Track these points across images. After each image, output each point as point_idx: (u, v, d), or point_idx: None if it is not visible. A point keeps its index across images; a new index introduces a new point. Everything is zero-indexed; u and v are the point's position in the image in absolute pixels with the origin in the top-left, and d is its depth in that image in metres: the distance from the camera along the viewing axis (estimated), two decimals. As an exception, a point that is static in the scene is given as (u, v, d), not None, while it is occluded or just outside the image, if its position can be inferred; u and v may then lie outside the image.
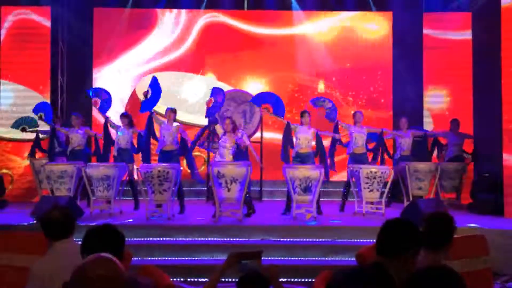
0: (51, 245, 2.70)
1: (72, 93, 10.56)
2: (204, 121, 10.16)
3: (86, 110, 10.48)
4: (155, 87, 7.75)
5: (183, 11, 10.81)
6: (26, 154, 9.41)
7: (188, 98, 10.80)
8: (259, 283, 2.39)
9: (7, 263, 3.58)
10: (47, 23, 10.05)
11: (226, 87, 10.40)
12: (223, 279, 2.67)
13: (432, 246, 2.64)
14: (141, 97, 10.50)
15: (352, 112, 8.74)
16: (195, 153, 10.56)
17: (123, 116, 8.31)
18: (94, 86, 10.57)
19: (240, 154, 7.42)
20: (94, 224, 1.91)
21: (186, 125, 10.60)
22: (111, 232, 2.30)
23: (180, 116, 10.71)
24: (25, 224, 6.50)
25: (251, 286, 2.39)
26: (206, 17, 10.80)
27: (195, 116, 10.67)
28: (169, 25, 10.85)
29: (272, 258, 5.77)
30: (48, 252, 2.67)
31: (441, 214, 2.83)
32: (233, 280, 4.51)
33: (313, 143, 7.78)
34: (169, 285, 2.70)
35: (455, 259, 3.11)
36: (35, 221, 6.43)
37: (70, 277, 1.55)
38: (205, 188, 9.05)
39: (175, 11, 10.84)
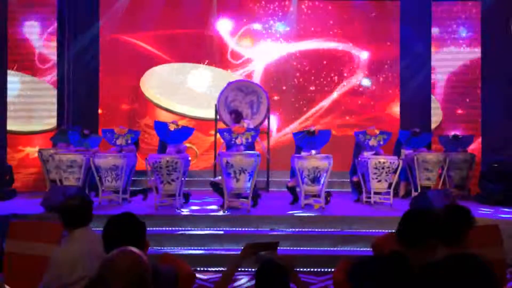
0: (70, 233, 2.72)
1: (79, 82, 10.50)
2: (205, 113, 10.23)
3: (93, 100, 10.48)
4: None
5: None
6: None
7: (192, 89, 10.82)
8: (278, 273, 2.39)
9: (23, 251, 3.60)
10: (54, 13, 10.04)
11: (234, 77, 10.40)
12: (239, 269, 2.67)
13: (450, 240, 2.57)
14: (146, 91, 10.52)
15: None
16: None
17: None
18: (100, 78, 10.60)
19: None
20: (103, 214, 1.94)
21: (184, 117, 10.64)
22: (132, 221, 2.31)
23: (182, 109, 10.76)
24: (36, 213, 6.52)
25: (270, 276, 2.39)
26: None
27: (198, 108, 10.71)
28: (177, 11, 10.86)
29: (281, 248, 5.73)
30: (67, 240, 2.69)
31: (459, 208, 2.76)
32: (249, 270, 4.53)
33: None
34: (189, 273, 2.70)
35: (468, 249, 3.10)
36: (45, 211, 6.44)
37: (97, 269, 1.58)
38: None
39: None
